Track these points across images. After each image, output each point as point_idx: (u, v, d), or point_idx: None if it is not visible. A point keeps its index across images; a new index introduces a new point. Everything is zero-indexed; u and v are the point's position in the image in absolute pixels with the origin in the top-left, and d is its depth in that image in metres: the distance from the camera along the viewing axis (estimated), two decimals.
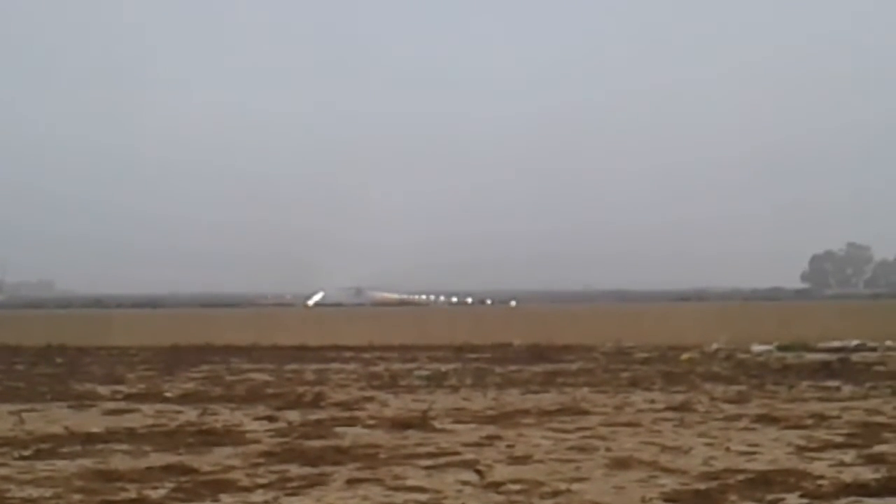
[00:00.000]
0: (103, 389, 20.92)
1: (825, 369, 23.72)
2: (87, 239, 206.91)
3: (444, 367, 25.57)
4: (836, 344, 30.76)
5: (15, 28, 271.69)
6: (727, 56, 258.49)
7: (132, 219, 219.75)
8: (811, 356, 27.90)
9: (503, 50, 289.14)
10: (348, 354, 30.64)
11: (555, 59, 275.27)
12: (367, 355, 30.29)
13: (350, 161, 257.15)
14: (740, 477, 10.52)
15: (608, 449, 12.53)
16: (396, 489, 10.31)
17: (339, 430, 14.38)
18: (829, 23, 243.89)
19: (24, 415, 16.10)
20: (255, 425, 15.02)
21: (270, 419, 15.65)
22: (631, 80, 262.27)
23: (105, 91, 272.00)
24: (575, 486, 10.24)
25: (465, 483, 10.52)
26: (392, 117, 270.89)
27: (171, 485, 10.49)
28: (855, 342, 31.16)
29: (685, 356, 28.14)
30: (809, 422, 14.71)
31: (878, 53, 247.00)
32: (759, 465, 11.30)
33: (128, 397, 19.34)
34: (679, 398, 18.02)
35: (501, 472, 11.05)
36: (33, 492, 10.25)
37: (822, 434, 13.54)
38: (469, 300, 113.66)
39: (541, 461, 11.75)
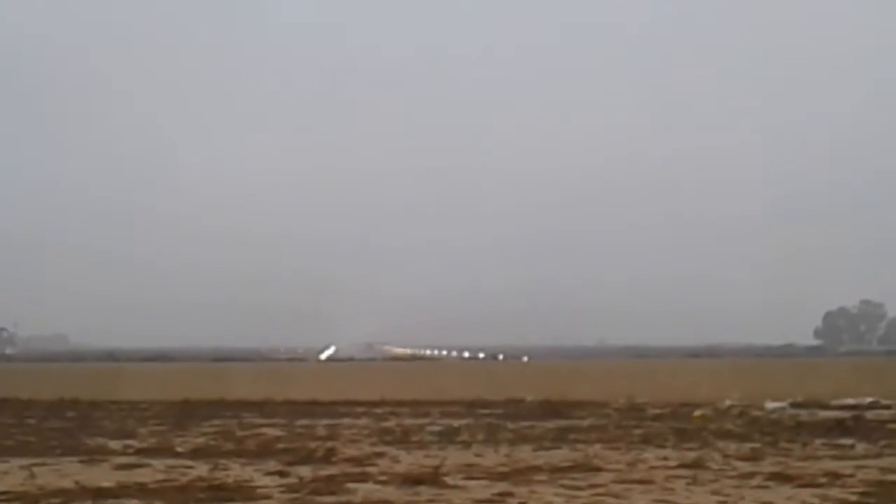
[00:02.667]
0: (114, 444, 20.88)
1: (839, 427, 23.57)
2: (101, 293, 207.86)
3: (456, 423, 25.47)
4: (850, 401, 30.58)
5: (33, 87, 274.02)
6: (743, 120, 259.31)
7: (146, 273, 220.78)
8: (825, 413, 27.74)
9: (524, 108, 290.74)
10: (360, 409, 30.54)
11: (575, 120, 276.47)
12: (378, 410, 30.19)
13: (363, 217, 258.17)
14: None
15: None
16: None
17: (350, 485, 14.33)
18: (844, 93, 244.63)
19: (34, 469, 16.09)
20: (267, 480, 14.98)
21: (282, 474, 15.61)
22: (648, 143, 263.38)
23: (120, 148, 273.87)
24: None
25: None
26: (409, 170, 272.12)
27: None
28: (869, 400, 30.98)
29: (698, 413, 28.00)
30: (823, 480, 14.62)
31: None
32: None
33: (139, 452, 19.30)
34: (692, 455, 17.92)
35: None
36: None
37: (836, 493, 13.46)
38: (481, 355, 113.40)
39: None
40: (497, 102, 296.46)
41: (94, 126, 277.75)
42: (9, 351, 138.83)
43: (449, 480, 14.70)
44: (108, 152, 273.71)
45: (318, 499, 13.06)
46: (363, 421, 26.76)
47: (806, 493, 13.41)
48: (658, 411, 29.17)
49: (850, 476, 15.00)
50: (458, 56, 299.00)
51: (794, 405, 30.15)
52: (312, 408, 31.26)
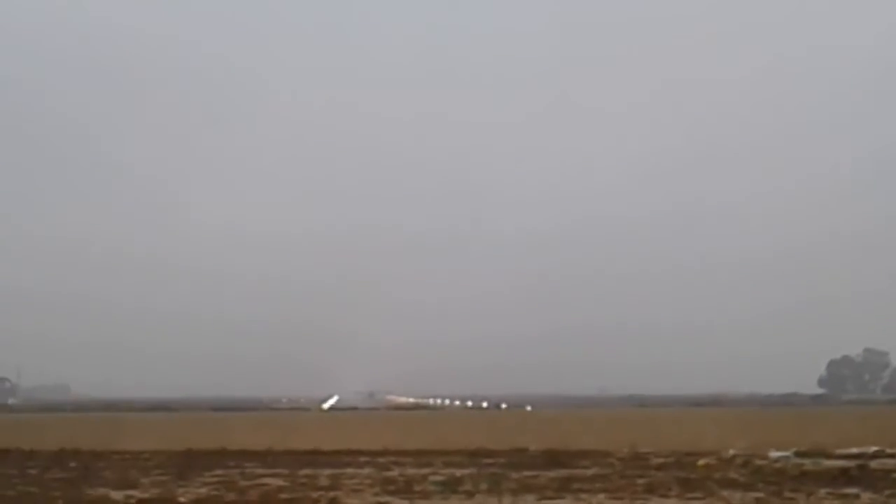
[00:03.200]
0: (116, 494, 20.83)
1: (843, 476, 23.48)
2: (103, 343, 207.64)
3: (458, 472, 25.39)
4: (855, 450, 30.47)
5: (31, 138, 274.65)
6: (743, 170, 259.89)
7: (147, 323, 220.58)
8: (829, 463, 27.64)
9: (527, 156, 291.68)
10: (363, 459, 30.47)
11: (575, 169, 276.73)
12: (381, 459, 30.11)
13: (365, 265, 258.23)
14: None
15: None
16: None
17: None
18: (846, 143, 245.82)
19: None
20: None
21: None
22: (648, 193, 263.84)
23: (122, 199, 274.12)
24: None
25: None
26: (410, 220, 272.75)
27: None
28: (873, 448, 30.86)
29: (702, 462, 27.91)
30: None
31: None
32: None
33: (141, 502, 19.26)
34: None
35: None
36: None
37: None
38: (484, 404, 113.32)
39: None
40: (497, 155, 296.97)
41: (95, 176, 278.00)
42: (11, 401, 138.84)
43: None
44: (110, 203, 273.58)
45: None
46: (366, 471, 26.68)
47: None
48: (662, 460, 29.07)
49: None
50: (460, 121, 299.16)
51: (798, 454, 30.05)
52: (315, 457, 31.19)
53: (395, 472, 25.98)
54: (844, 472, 24.43)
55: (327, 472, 26.23)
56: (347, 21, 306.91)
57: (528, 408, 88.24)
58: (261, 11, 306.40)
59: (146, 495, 20.62)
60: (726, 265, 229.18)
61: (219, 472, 26.68)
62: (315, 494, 20.24)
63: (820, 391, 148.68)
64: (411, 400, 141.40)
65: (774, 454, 29.90)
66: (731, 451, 30.64)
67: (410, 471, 26.48)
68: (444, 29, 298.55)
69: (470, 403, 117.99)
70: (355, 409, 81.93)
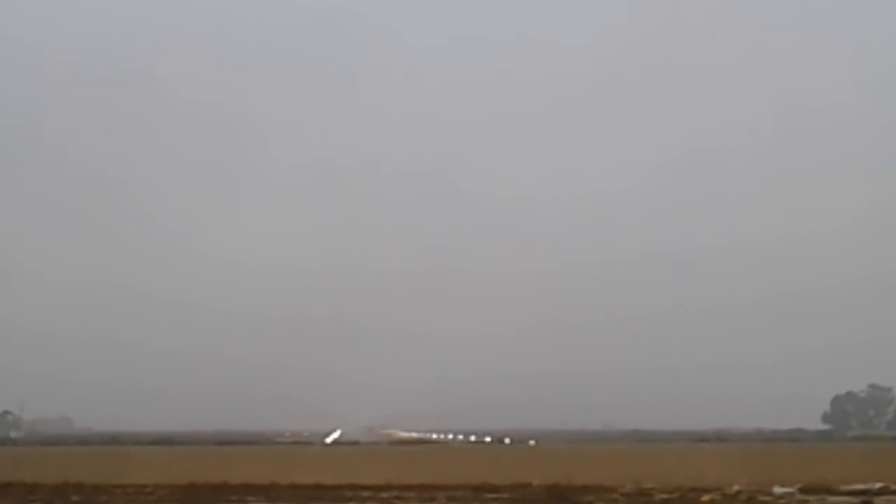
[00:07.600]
0: None
1: None
2: (106, 377, 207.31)
3: None
4: (860, 487, 30.40)
5: (31, 175, 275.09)
6: (751, 212, 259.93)
7: (150, 359, 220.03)
8: (834, 499, 27.60)
9: (528, 190, 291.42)
10: (366, 494, 30.42)
11: (581, 210, 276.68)
12: (384, 494, 30.07)
13: (371, 301, 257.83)
14: None
15: None
16: None
17: None
18: (854, 188, 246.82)
19: None
20: None
21: None
22: (655, 233, 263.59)
23: (122, 237, 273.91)
24: None
25: None
26: (412, 258, 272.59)
27: None
28: (878, 485, 30.80)
29: (706, 498, 27.87)
30: None
31: None
32: None
33: None
34: None
35: None
36: None
37: None
38: (487, 439, 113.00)
39: None
40: (502, 194, 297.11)
41: (95, 214, 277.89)
42: (13, 434, 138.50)
43: None
44: (111, 241, 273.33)
45: None
46: None
47: None
48: (666, 496, 29.03)
49: None
50: (461, 156, 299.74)
51: (802, 490, 29.99)
52: (318, 492, 31.17)
53: None
54: None
55: None
56: (355, 62, 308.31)
57: (532, 443, 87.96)
58: (260, 63, 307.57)
59: None
60: (733, 304, 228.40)
61: None
62: None
63: (824, 427, 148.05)
64: (414, 434, 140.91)
65: (779, 490, 29.82)
66: (736, 487, 30.58)
67: None
68: (453, 82, 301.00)
69: (473, 438, 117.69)
70: (358, 443, 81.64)
